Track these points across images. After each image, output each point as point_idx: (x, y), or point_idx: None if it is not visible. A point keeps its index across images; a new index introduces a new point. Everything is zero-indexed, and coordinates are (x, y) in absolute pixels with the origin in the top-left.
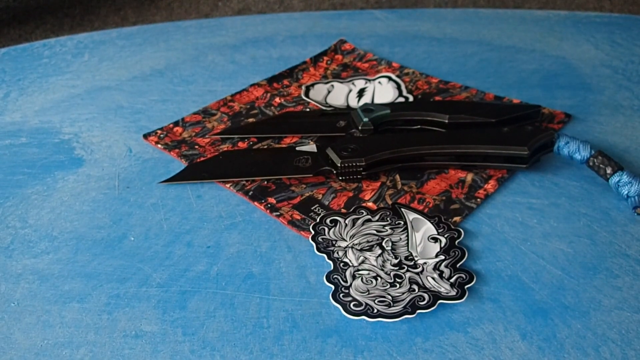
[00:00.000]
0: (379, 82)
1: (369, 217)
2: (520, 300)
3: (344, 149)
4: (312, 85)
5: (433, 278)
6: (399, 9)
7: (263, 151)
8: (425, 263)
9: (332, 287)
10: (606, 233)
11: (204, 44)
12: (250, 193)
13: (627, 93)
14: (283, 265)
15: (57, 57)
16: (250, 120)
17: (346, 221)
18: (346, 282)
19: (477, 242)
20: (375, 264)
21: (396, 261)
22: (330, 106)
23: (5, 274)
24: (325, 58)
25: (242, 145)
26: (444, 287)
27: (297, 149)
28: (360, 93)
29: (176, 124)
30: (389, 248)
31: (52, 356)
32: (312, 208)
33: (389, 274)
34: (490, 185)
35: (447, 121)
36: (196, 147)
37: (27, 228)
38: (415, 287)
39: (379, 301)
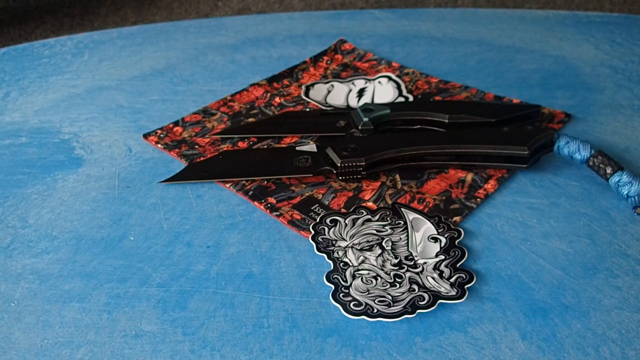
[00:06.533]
0: (379, 82)
1: (369, 217)
2: (520, 300)
3: (344, 148)
4: (312, 85)
5: (433, 278)
6: (399, 9)
7: (263, 151)
8: (425, 263)
9: (332, 287)
10: (606, 233)
11: (204, 44)
12: (250, 193)
13: (627, 93)
14: (283, 265)
15: (57, 57)
16: (250, 120)
17: (346, 221)
18: (346, 282)
19: (477, 242)
20: (375, 263)
21: (396, 261)
22: (330, 106)
23: (5, 274)
24: (325, 58)
25: (242, 145)
26: (444, 287)
27: (297, 148)
28: (360, 93)
29: (176, 123)
30: (389, 248)
31: (52, 356)
32: (312, 208)
33: (389, 274)
34: (490, 185)
35: (447, 121)
36: (196, 147)
37: (27, 228)
38: (415, 287)
39: (379, 301)
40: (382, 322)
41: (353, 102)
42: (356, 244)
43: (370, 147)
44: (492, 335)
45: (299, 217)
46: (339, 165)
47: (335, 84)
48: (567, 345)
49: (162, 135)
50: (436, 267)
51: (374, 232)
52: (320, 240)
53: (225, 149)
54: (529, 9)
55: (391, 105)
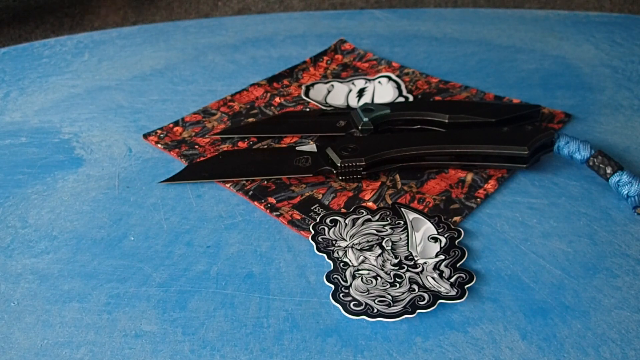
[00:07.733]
0: (379, 82)
1: (369, 217)
2: (520, 300)
3: (344, 148)
4: (312, 85)
5: (433, 278)
6: (399, 9)
7: (263, 151)
8: (425, 263)
9: (332, 286)
10: (606, 233)
11: (204, 44)
12: (250, 193)
13: (627, 93)
14: (283, 265)
15: (57, 57)
16: (250, 120)
17: (346, 221)
18: (346, 282)
19: (477, 242)
20: (375, 263)
21: (396, 261)
22: (330, 106)
23: (5, 274)
24: (325, 58)
25: (242, 145)
26: (444, 287)
27: (297, 148)
28: (360, 93)
29: (176, 123)
30: (389, 248)
31: (52, 356)
32: (312, 208)
33: (389, 274)
34: (490, 185)
35: (447, 121)
36: (196, 147)
37: (27, 228)
38: (415, 286)
39: (379, 301)
40: (382, 322)
41: (353, 102)
42: (356, 244)
43: (370, 147)
44: (492, 335)
45: (299, 217)
46: (339, 165)
47: (335, 84)
48: (567, 345)
49: (162, 135)
50: (436, 267)
51: (374, 232)
52: (320, 240)
53: (225, 149)
54: (529, 9)
55: (391, 105)
